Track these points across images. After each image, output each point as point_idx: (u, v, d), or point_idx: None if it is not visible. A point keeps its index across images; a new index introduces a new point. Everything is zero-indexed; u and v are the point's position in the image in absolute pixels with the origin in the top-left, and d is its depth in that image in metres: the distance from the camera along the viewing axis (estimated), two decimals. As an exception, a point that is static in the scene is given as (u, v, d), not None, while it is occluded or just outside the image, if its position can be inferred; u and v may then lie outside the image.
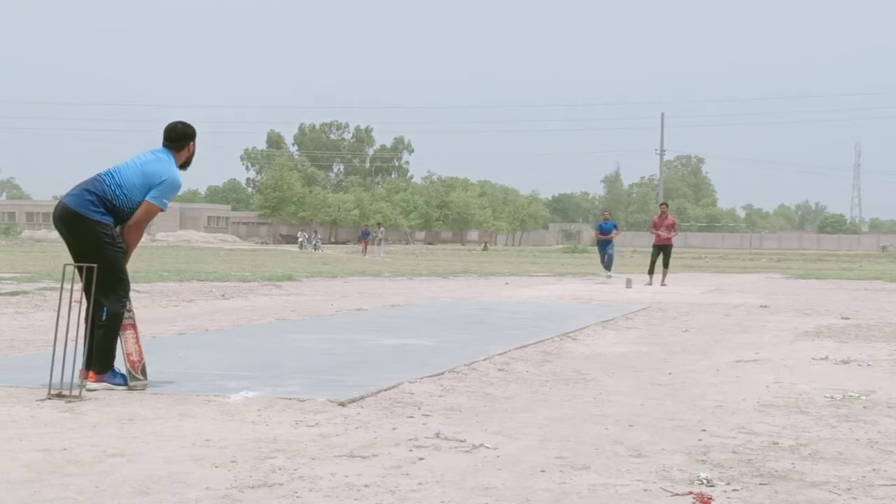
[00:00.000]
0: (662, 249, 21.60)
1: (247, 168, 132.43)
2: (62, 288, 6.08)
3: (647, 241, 24.32)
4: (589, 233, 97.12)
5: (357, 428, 5.12)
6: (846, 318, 12.94)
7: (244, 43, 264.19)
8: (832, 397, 6.46)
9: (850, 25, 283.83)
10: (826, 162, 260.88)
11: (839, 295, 19.08)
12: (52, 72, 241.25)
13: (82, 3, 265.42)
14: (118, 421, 5.17)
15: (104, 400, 5.77)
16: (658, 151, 79.81)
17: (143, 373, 6.19)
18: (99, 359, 6.12)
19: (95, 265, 6.00)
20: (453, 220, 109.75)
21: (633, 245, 70.56)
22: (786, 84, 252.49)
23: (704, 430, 5.30)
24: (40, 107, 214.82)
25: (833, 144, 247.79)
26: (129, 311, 6.27)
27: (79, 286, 6.16)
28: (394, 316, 12.36)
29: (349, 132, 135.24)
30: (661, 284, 20.96)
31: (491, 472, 4.27)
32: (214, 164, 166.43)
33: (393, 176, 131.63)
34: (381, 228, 60.20)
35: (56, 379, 5.79)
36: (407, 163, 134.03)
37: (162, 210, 6.32)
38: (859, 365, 8.16)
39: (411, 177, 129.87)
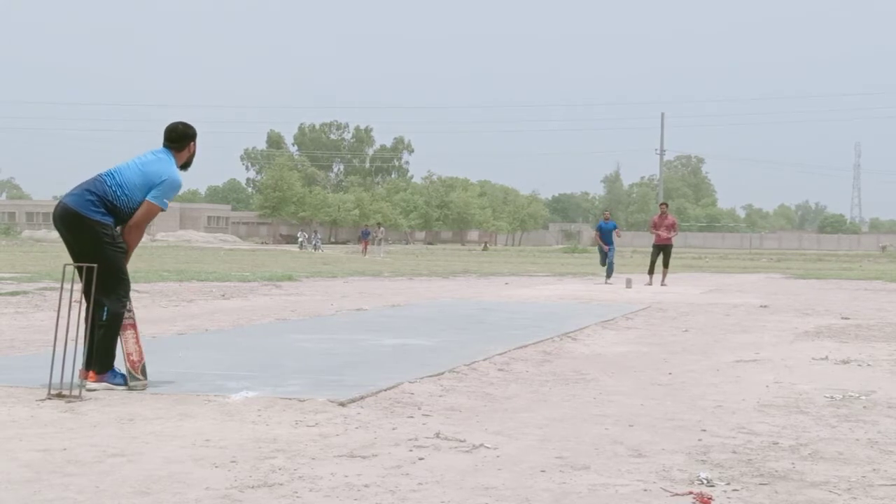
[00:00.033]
0: (662, 249, 21.60)
1: (247, 168, 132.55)
2: (62, 288, 6.08)
3: (647, 241, 24.32)
4: (589, 233, 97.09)
5: (357, 428, 5.12)
6: (846, 318, 12.94)
7: (244, 43, 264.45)
8: (832, 397, 6.46)
9: (850, 25, 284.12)
10: (826, 162, 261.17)
11: (839, 295, 19.08)
12: (52, 72, 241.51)
13: (82, 3, 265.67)
14: (118, 421, 5.17)
15: (104, 400, 5.77)
16: (658, 151, 79.83)
17: (143, 373, 6.19)
18: (99, 359, 6.12)
19: (95, 265, 6.00)
20: (453, 220, 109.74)
21: (633, 245, 70.53)
22: (786, 84, 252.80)
23: (704, 430, 5.30)
24: (40, 107, 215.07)
25: (833, 144, 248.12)
26: (130, 311, 6.27)
27: (79, 286, 6.16)
28: (394, 316, 12.36)
29: (349, 132, 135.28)
30: (661, 284, 20.96)
31: (491, 472, 4.27)
32: (214, 164, 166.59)
33: (393, 176, 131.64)
34: (381, 228, 60.21)
35: (56, 379, 5.79)
36: (407, 163, 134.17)
37: (162, 210, 6.32)
38: (859, 365, 8.16)
39: (411, 177, 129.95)
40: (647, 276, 21.57)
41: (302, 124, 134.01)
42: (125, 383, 6.12)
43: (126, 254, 6.30)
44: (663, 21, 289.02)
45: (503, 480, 4.12)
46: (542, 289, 19.81)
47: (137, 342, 6.24)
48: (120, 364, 6.18)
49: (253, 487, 3.92)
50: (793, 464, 4.53)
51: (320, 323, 11.27)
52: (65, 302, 6.03)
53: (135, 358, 6.18)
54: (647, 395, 6.47)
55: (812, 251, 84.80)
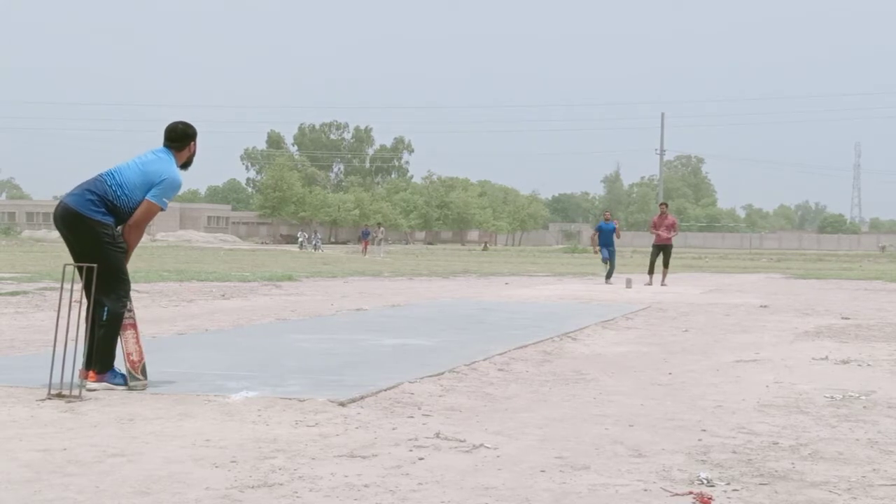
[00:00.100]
0: (662, 249, 21.60)
1: (247, 168, 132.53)
2: (62, 288, 6.08)
3: (647, 241, 24.32)
4: (589, 233, 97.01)
5: (357, 428, 5.12)
6: (846, 318, 12.94)
7: (244, 43, 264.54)
8: (832, 397, 6.46)
9: (850, 25, 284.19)
10: (826, 162, 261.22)
11: (839, 295, 19.08)
12: (52, 72, 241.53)
13: (82, 3, 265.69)
14: (118, 421, 5.17)
15: (104, 400, 5.77)
16: (658, 151, 79.85)
17: (143, 373, 6.19)
18: (99, 359, 6.12)
19: (95, 265, 6.00)
20: (453, 220, 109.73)
21: (633, 245, 70.54)
22: (786, 84, 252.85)
23: (704, 430, 5.30)
24: (40, 107, 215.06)
25: (833, 144, 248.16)
26: (130, 310, 6.27)
27: (79, 286, 6.17)
28: (394, 316, 12.36)
29: (349, 132, 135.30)
30: (661, 284, 20.96)
31: (491, 472, 4.27)
32: (214, 164, 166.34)
33: (393, 176, 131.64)
34: (381, 228, 60.21)
35: (56, 379, 5.79)
36: (407, 163, 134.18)
37: (162, 209, 6.32)
38: (859, 365, 8.16)
39: (411, 177, 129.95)
40: (647, 276, 21.57)
41: (302, 124, 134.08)
42: (125, 383, 6.12)
43: (126, 253, 6.30)
44: (663, 21, 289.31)
45: (503, 480, 4.12)
46: (542, 289, 19.81)
47: (137, 342, 6.24)
48: (120, 364, 6.18)
49: (253, 487, 3.92)
50: (793, 464, 4.53)
51: (320, 323, 11.27)
52: (65, 302, 6.03)
53: (135, 358, 6.18)
54: (647, 395, 6.47)
55: (812, 251, 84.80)
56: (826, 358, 8.55)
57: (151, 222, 7.00)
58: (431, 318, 11.99)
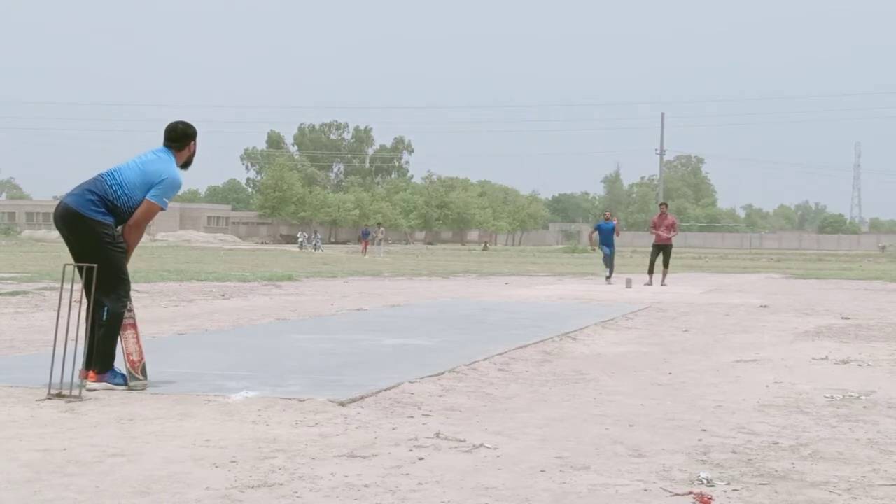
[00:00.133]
0: (662, 249, 21.60)
1: (247, 168, 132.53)
2: (62, 288, 6.08)
3: (647, 241, 24.32)
4: (589, 232, 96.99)
5: (357, 428, 5.12)
6: (846, 318, 12.94)
7: (244, 43, 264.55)
8: (832, 397, 6.46)
9: (850, 25, 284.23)
10: (826, 162, 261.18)
11: (839, 295, 19.08)
12: (52, 72, 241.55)
13: (82, 3, 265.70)
14: (118, 421, 5.17)
15: (104, 400, 5.77)
16: (658, 151, 79.85)
17: (143, 373, 6.19)
18: (99, 359, 6.12)
19: (95, 265, 6.00)
20: (453, 220, 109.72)
21: (633, 245, 70.55)
22: (786, 84, 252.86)
23: (704, 430, 5.30)
24: (40, 107, 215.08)
25: (833, 144, 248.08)
26: (130, 310, 6.27)
27: (79, 286, 6.17)
28: (394, 316, 12.36)
29: (349, 132, 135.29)
30: (661, 284, 20.96)
31: (491, 472, 4.27)
32: (214, 164, 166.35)
33: (393, 176, 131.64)
34: (381, 228, 60.20)
35: (56, 379, 5.79)
36: (407, 163, 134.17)
37: (162, 209, 6.32)
38: (859, 365, 8.16)
39: (411, 177, 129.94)
40: (647, 276, 21.57)
41: (302, 124, 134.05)
42: (125, 383, 6.12)
43: (126, 253, 6.30)
44: (663, 21, 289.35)
45: (503, 480, 4.12)
46: (542, 289, 19.81)
47: (138, 342, 6.24)
48: (120, 364, 6.18)
49: (253, 487, 3.92)
50: (793, 464, 4.53)
51: (320, 323, 11.27)
52: (65, 302, 6.03)
53: (135, 358, 6.18)
54: (647, 395, 6.47)
55: (812, 251, 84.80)
56: (826, 358, 8.55)
57: (151, 222, 7.00)
58: (431, 318, 11.99)
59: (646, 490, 4.02)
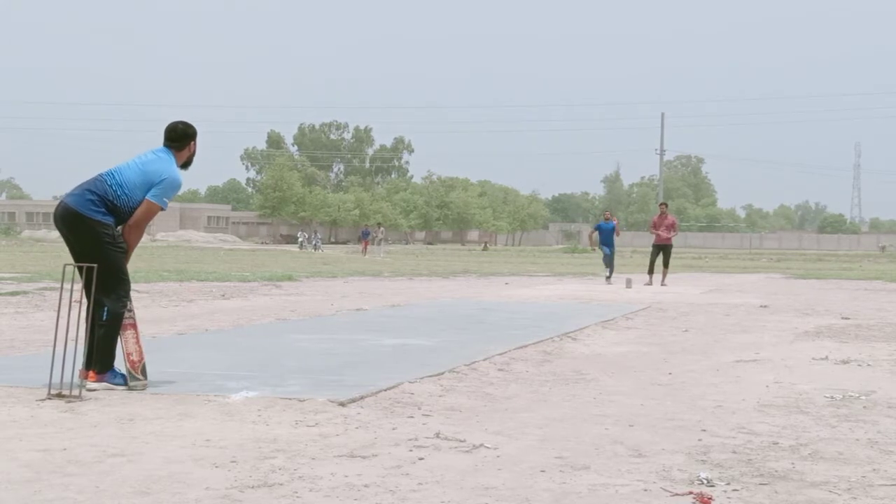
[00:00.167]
0: (662, 249, 21.60)
1: (247, 168, 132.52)
2: (62, 288, 6.08)
3: (647, 241, 24.33)
4: (589, 232, 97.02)
5: (357, 428, 5.12)
6: (846, 318, 12.94)
7: (244, 43, 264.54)
8: (832, 397, 6.46)
9: (850, 25, 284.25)
10: (826, 162, 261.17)
11: (839, 295, 19.08)
12: (52, 72, 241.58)
13: (82, 3, 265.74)
14: (118, 421, 5.17)
15: (104, 400, 5.77)
16: (658, 151, 79.84)
17: (143, 373, 6.19)
18: (99, 359, 6.12)
19: (95, 265, 6.00)
20: (453, 220, 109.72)
21: (633, 245, 70.55)
22: (786, 84, 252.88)
23: (704, 430, 5.30)
24: (40, 107, 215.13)
25: (833, 144, 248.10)
26: (130, 310, 6.27)
27: (79, 286, 6.17)
28: (394, 316, 12.36)
29: (349, 132, 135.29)
30: (661, 284, 20.96)
31: (491, 472, 4.27)
32: (214, 164, 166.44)
33: (393, 176, 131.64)
34: (381, 228, 60.20)
35: (56, 379, 5.79)
36: (407, 163, 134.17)
37: (162, 209, 6.32)
38: (859, 365, 8.16)
39: (411, 177, 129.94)
40: (647, 276, 21.57)
41: (302, 124, 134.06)
42: (125, 383, 6.12)
43: (126, 253, 6.30)
44: (663, 21, 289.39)
45: (503, 480, 4.12)
46: (542, 289, 19.81)
47: (138, 342, 6.24)
48: (120, 364, 6.18)
49: (253, 487, 3.92)
50: (793, 464, 4.53)
51: (320, 323, 11.27)
52: (65, 302, 6.03)
53: (135, 358, 6.18)
54: (647, 395, 6.47)
55: (812, 251, 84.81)
56: (826, 358, 8.55)
57: (151, 222, 7.00)
58: (431, 318, 11.99)
59: (646, 490, 4.02)
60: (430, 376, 6.89)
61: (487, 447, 4.73)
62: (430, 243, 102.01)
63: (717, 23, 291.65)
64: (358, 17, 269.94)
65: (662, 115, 79.15)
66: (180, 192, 6.97)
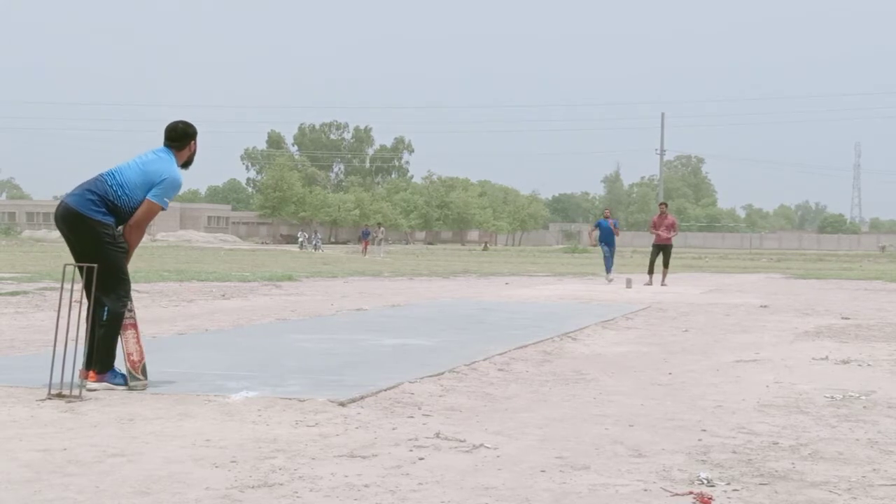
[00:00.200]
0: (662, 249, 21.61)
1: (247, 168, 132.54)
2: (62, 288, 6.08)
3: (647, 241, 24.33)
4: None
5: (357, 428, 5.12)
6: (846, 318, 12.94)
7: (244, 43, 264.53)
8: (832, 397, 6.46)
9: (850, 25, 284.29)
10: (826, 162, 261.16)
11: (839, 295, 19.08)
12: (52, 72, 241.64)
13: (82, 3, 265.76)
14: (118, 421, 5.17)
15: (104, 400, 5.77)
16: (658, 151, 79.82)
17: (144, 373, 6.19)
18: (99, 358, 6.12)
19: (95, 265, 6.00)
20: (453, 220, 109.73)
21: (633, 245, 70.56)
22: (786, 84, 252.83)
23: (704, 430, 5.30)
24: (40, 107, 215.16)
25: (833, 144, 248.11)
26: (131, 310, 6.27)
27: (79, 286, 6.17)
28: (394, 316, 12.36)
29: (349, 132, 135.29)
30: (661, 284, 20.97)
31: (491, 472, 4.27)
32: (214, 164, 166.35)
33: (393, 176, 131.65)
34: (382, 228, 60.20)
35: (56, 379, 5.79)
36: (407, 163, 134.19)
37: (163, 209, 6.32)
38: (859, 365, 8.16)
39: (411, 177, 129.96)
40: (647, 276, 21.57)
41: (302, 124, 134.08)
42: (125, 383, 6.12)
43: (127, 253, 6.30)
44: (663, 21, 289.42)
45: (503, 480, 4.12)
46: (542, 289, 19.81)
47: (138, 342, 6.24)
48: (120, 364, 6.18)
49: (253, 487, 3.92)
50: (793, 464, 4.53)
51: (320, 323, 11.27)
52: (65, 302, 6.03)
53: (135, 358, 6.18)
54: (647, 395, 6.47)
55: (812, 251, 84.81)
56: (826, 358, 8.55)
57: (152, 222, 7.00)
58: (431, 318, 11.99)
59: (646, 490, 4.02)
60: (430, 376, 6.89)
61: (487, 447, 4.73)
62: (430, 243, 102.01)
63: (717, 23, 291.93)
64: (358, 17, 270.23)
65: (662, 115, 79.20)
66: (180, 192, 6.97)
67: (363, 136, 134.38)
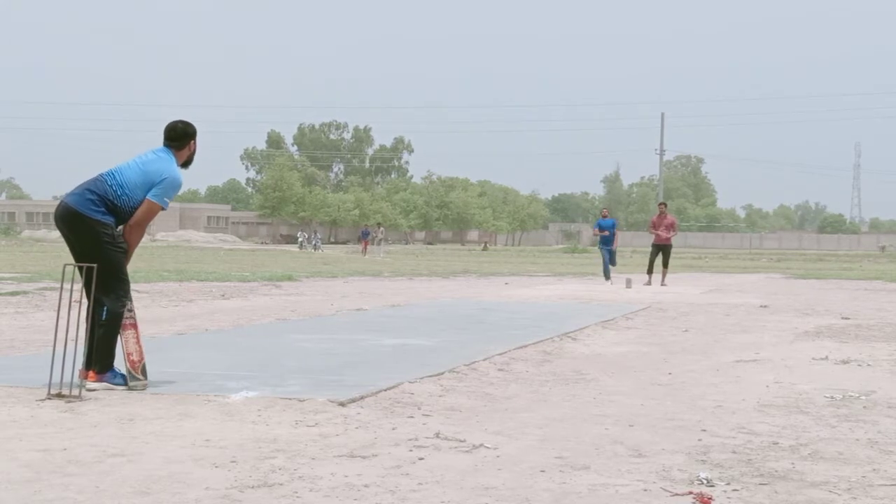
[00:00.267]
0: (662, 249, 21.61)
1: (247, 168, 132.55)
2: (62, 288, 6.08)
3: (647, 241, 24.31)
4: (588, 232, 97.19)
5: (357, 428, 5.12)
6: (846, 318, 12.94)
7: (244, 43, 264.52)
8: (832, 397, 6.46)
9: (850, 25, 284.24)
10: (826, 162, 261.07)
11: (839, 295, 19.08)
12: (52, 72, 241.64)
13: (82, 3, 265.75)
14: (118, 421, 5.17)
15: (104, 400, 5.77)
16: (658, 151, 79.78)
17: (144, 373, 6.19)
18: (99, 358, 6.12)
19: (95, 265, 6.00)
20: (453, 220, 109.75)
21: (632, 245, 70.59)
22: (786, 84, 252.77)
23: (704, 430, 5.30)
24: (40, 107, 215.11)
25: (833, 144, 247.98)
26: (130, 310, 6.27)
27: (79, 286, 6.17)
28: (394, 316, 12.36)
29: (349, 132, 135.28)
30: (661, 284, 20.96)
31: (491, 472, 4.27)
32: (214, 164, 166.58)
33: (393, 176, 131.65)
34: (381, 228, 60.22)
35: (56, 379, 5.79)
36: (407, 163, 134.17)
37: (163, 209, 6.32)
38: (859, 365, 8.16)
39: (411, 177, 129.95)
40: (647, 276, 21.57)
41: (302, 124, 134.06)
42: (125, 383, 6.12)
43: (127, 253, 6.30)
44: (663, 21, 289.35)
45: (503, 480, 4.12)
46: (542, 289, 19.81)
47: (138, 342, 6.24)
48: (120, 364, 6.18)
49: (253, 487, 3.92)
50: (793, 464, 4.53)
51: (320, 323, 11.27)
52: (65, 302, 6.03)
53: (135, 358, 6.18)
54: (647, 395, 6.47)
55: (812, 251, 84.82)
56: (826, 358, 8.55)
57: (152, 222, 7.00)
58: (431, 318, 11.99)
59: (646, 490, 4.02)
60: (430, 376, 6.89)
61: (487, 447, 4.73)
62: (429, 243, 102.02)
63: (717, 23, 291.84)
64: (358, 17, 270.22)
65: (662, 115, 79.16)
66: (180, 192, 6.97)
67: (363, 136, 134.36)
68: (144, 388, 6.11)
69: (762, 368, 7.91)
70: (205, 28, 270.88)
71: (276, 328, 10.51)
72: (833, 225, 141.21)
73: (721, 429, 5.36)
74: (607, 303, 15.41)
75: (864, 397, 6.48)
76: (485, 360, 7.87)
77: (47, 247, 48.23)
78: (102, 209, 6.13)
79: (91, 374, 6.10)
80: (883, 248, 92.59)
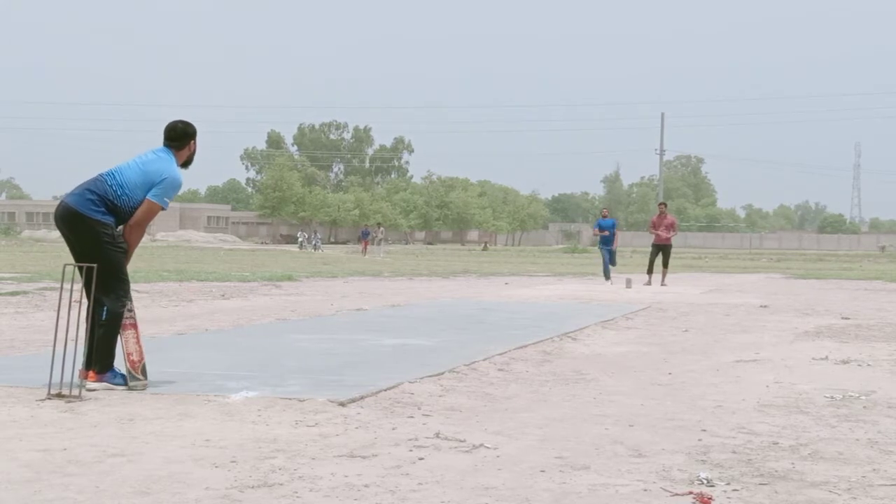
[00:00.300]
0: (662, 249, 21.61)
1: (247, 168, 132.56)
2: (62, 288, 6.08)
3: (647, 241, 24.31)
4: (588, 232, 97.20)
5: (357, 428, 5.12)
6: (846, 318, 12.94)
7: (244, 43, 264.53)
8: (832, 397, 6.46)
9: (850, 25, 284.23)
10: (826, 162, 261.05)
11: (839, 295, 19.08)
12: (52, 72, 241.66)
13: (82, 3, 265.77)
14: (118, 421, 5.17)
15: (104, 400, 5.77)
16: (658, 151, 79.78)
17: (144, 373, 6.19)
18: (99, 358, 6.12)
19: (95, 265, 6.00)
20: (453, 220, 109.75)
21: (632, 245, 70.59)
22: (786, 84, 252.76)
23: (704, 430, 5.30)
24: (40, 107, 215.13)
25: (833, 144, 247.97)
26: (131, 310, 6.27)
27: (79, 286, 6.17)
28: (394, 316, 12.36)
29: (349, 132, 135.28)
30: (661, 284, 20.97)
31: (491, 472, 4.27)
32: (214, 164, 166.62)
33: (393, 176, 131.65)
34: (381, 228, 60.21)
35: (56, 379, 5.79)
36: (407, 163, 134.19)
37: (163, 209, 6.32)
38: (859, 365, 8.16)
39: (411, 177, 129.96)
40: (647, 276, 21.57)
41: (302, 124, 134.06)
42: (125, 383, 6.12)
43: (127, 253, 6.30)
44: (663, 21, 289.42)
45: (503, 480, 4.12)
46: (542, 289, 19.81)
47: (138, 342, 6.24)
48: (120, 364, 6.18)
49: (253, 487, 3.92)
50: (793, 464, 4.53)
51: (320, 323, 11.27)
52: (65, 302, 6.03)
53: (135, 358, 6.18)
54: (647, 395, 6.47)
55: (812, 251, 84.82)
56: (826, 358, 8.55)
57: (152, 222, 7.00)
58: (431, 318, 11.99)
59: (646, 490, 4.02)
60: (430, 376, 6.89)
61: (487, 447, 4.73)
62: (429, 243, 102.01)
63: (717, 23, 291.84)
64: (358, 17, 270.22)
65: (662, 115, 79.14)
66: (180, 192, 6.97)
67: (363, 136, 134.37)
68: (144, 388, 6.11)
69: (762, 368, 7.91)
70: (205, 28, 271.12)
71: (276, 328, 10.51)
72: (833, 225, 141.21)
73: (721, 429, 5.36)
74: (607, 303, 15.41)
75: (864, 397, 6.48)
76: (485, 360, 7.87)
77: (47, 247, 48.23)
78: (102, 209, 6.13)
79: (91, 374, 6.10)
80: (883, 248, 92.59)
